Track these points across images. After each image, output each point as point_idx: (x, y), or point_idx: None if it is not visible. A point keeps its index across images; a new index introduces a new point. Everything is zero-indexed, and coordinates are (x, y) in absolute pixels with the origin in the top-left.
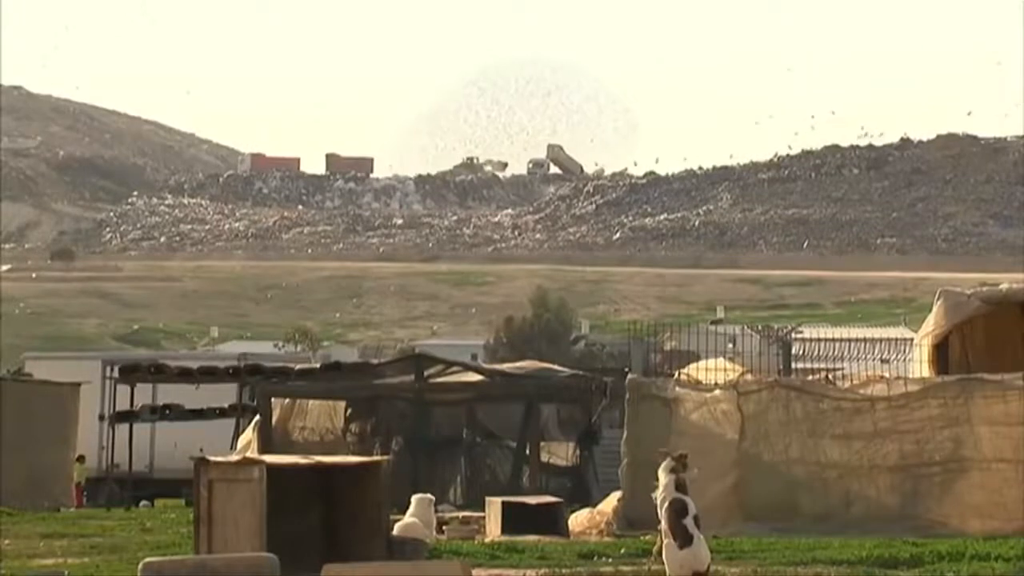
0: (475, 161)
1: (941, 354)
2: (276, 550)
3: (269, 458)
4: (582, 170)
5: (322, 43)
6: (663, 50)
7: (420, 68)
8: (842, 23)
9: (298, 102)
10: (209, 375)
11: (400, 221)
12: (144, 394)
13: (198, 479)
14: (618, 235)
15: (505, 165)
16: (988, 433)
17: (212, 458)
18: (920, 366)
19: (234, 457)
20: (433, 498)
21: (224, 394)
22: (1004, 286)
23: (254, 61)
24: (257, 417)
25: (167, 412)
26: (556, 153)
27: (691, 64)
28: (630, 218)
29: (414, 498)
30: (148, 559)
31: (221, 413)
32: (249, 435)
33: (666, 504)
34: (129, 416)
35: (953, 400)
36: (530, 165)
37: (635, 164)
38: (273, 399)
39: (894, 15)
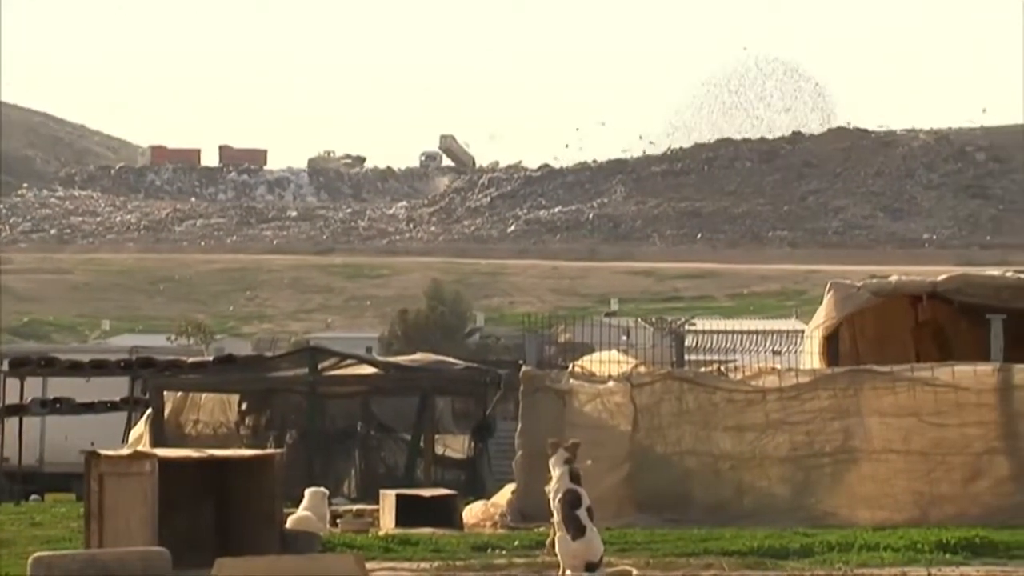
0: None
1: (832, 346)
2: (168, 544)
3: (161, 452)
4: (474, 162)
5: (216, 30)
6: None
7: (319, 55)
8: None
9: (193, 92)
10: (100, 368)
11: (294, 213)
12: (34, 387)
13: (89, 473)
14: (513, 228)
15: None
16: (878, 424)
17: (103, 452)
18: (811, 358)
19: (125, 451)
20: (327, 491)
21: (116, 387)
22: (893, 278)
23: (145, 49)
24: (149, 410)
25: (58, 405)
26: (449, 143)
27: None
28: (525, 211)
29: (307, 491)
30: (38, 554)
31: (112, 406)
32: (141, 429)
33: (559, 495)
34: (19, 409)
35: (843, 391)
36: (422, 158)
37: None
38: (165, 392)
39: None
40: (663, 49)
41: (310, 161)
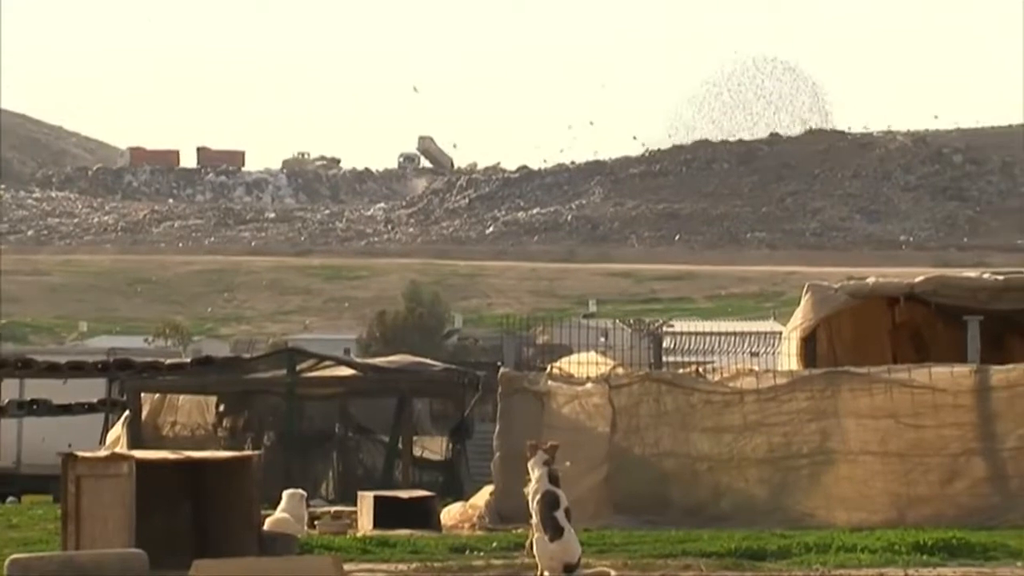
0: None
1: (809, 347)
2: (145, 546)
3: (138, 453)
4: (452, 164)
5: (194, 31)
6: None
7: (301, 55)
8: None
9: (172, 93)
10: (77, 370)
11: (272, 215)
12: (11, 389)
13: (66, 475)
14: (491, 229)
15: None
16: (854, 426)
17: (80, 453)
18: (788, 359)
19: (103, 453)
20: (304, 493)
21: (93, 389)
22: (871, 280)
23: (124, 51)
24: (126, 412)
25: (35, 407)
26: (427, 144)
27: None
28: (503, 212)
29: (285, 493)
30: (14, 556)
31: (90, 408)
32: (118, 430)
33: (537, 496)
34: None
35: (820, 393)
36: (400, 159)
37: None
38: (143, 394)
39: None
40: (658, 49)
41: (285, 163)
